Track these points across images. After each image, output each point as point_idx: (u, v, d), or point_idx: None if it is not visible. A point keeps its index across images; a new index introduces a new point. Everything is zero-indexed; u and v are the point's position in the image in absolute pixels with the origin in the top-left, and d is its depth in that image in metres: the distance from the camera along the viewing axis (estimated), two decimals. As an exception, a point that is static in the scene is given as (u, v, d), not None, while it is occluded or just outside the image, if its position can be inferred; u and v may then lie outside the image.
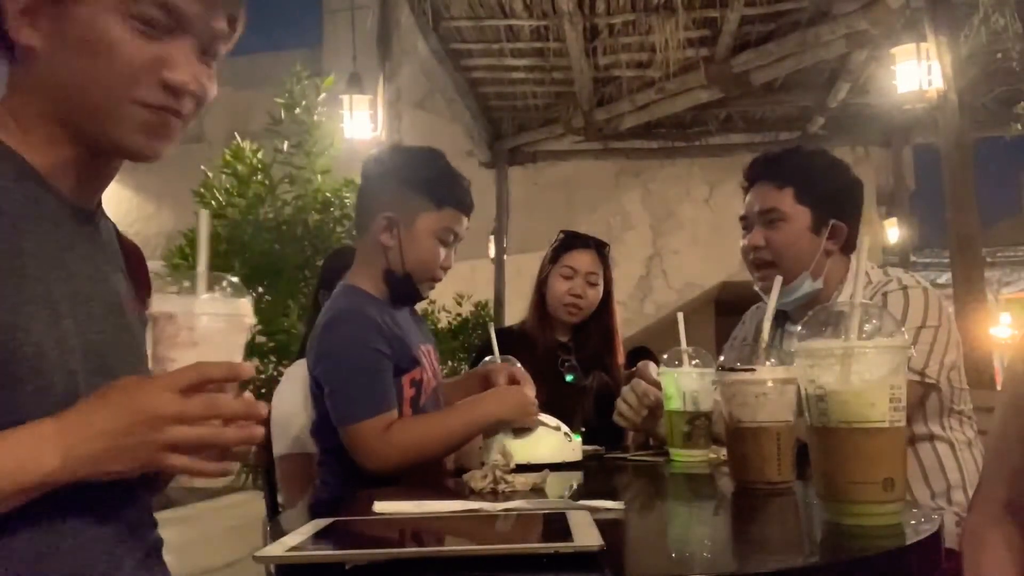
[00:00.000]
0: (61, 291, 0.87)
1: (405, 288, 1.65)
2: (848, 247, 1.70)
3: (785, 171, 1.71)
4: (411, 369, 1.60)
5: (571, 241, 2.46)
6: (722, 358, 1.29)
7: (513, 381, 1.68)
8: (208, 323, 0.84)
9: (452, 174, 1.66)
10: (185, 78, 0.88)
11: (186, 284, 0.85)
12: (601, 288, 2.41)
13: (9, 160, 0.86)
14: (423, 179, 1.62)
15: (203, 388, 0.80)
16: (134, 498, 0.95)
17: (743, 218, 1.76)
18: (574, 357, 2.42)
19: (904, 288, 1.60)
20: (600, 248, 2.44)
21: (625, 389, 1.84)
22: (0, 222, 0.82)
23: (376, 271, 1.64)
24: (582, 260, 2.39)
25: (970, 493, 1.49)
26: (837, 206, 1.69)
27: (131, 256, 1.04)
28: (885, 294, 1.60)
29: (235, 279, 0.88)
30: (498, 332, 1.90)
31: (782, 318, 1.76)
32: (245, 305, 0.88)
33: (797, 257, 1.67)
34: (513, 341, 2.26)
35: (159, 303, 0.85)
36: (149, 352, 0.85)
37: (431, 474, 1.55)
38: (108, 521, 0.89)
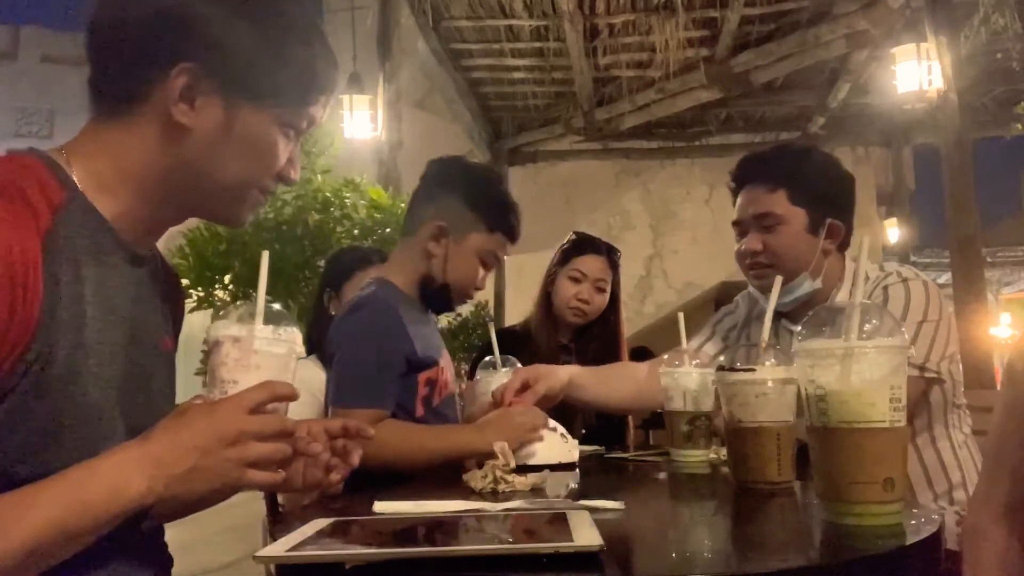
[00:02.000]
0: (112, 336, 0.89)
1: (439, 298, 1.68)
2: (844, 245, 1.68)
3: (775, 172, 1.66)
4: (429, 367, 1.61)
5: (583, 244, 2.43)
6: (721, 358, 1.28)
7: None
8: (270, 348, 0.94)
9: (510, 202, 1.71)
10: (298, 173, 1.02)
11: (244, 314, 0.95)
12: (608, 295, 2.40)
13: (80, 208, 0.89)
14: (483, 199, 1.67)
15: (265, 407, 0.85)
16: (146, 518, 0.95)
17: (736, 223, 1.71)
18: (575, 359, 2.41)
19: (904, 280, 1.59)
20: (611, 254, 2.42)
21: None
22: (67, 270, 0.84)
23: (413, 274, 1.67)
24: (592, 265, 2.37)
25: (970, 491, 1.49)
26: (832, 204, 1.66)
27: (169, 279, 1.08)
28: (886, 287, 1.59)
29: (279, 307, 0.98)
30: (499, 332, 1.90)
31: (777, 317, 1.74)
32: (298, 335, 0.97)
33: (796, 259, 1.63)
34: (514, 341, 2.26)
35: (224, 328, 0.93)
36: (210, 375, 0.92)
37: (431, 473, 1.55)
38: (121, 539, 0.88)
